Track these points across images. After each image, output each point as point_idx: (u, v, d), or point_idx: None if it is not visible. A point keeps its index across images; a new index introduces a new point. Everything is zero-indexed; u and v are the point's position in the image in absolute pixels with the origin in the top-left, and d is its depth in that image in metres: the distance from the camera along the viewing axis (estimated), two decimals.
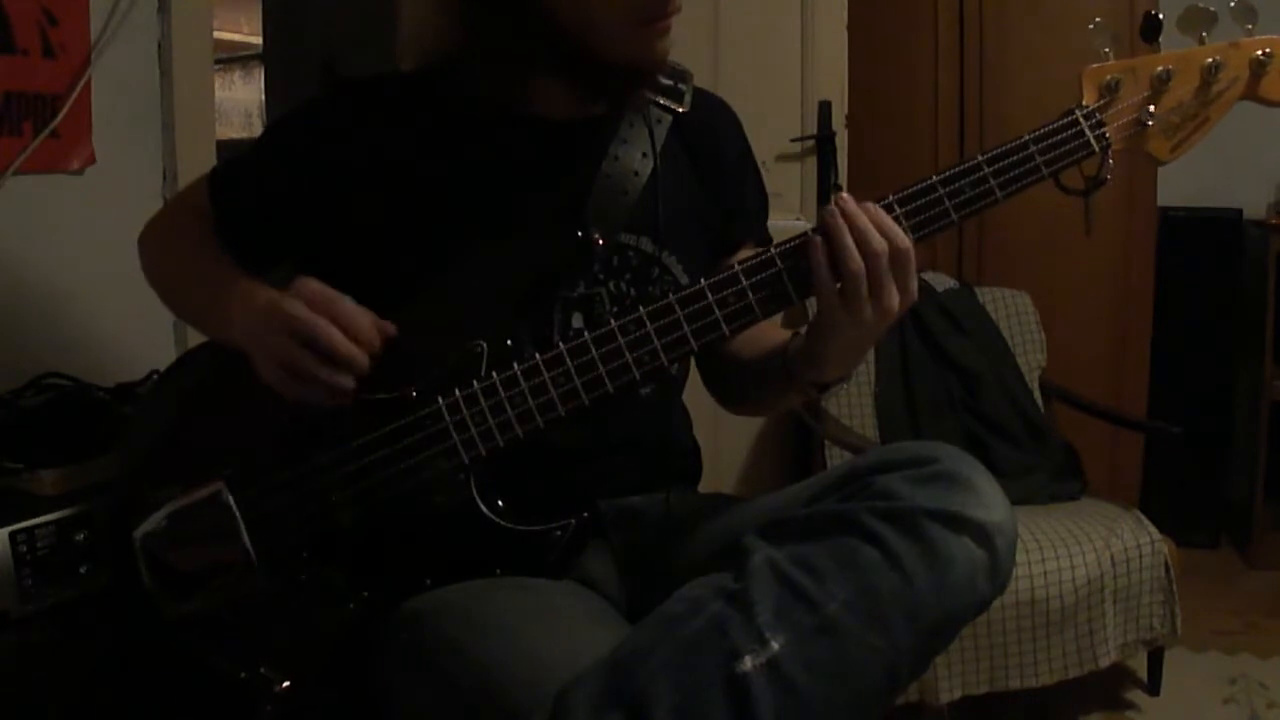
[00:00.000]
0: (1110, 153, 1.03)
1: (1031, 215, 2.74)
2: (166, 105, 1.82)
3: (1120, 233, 2.90)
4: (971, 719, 2.02)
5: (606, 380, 1.00)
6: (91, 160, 1.71)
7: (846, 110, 2.60)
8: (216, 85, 2.37)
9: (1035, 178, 1.01)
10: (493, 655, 0.89)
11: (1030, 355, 2.64)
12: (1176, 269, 3.01)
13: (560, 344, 1.00)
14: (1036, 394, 2.58)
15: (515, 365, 1.01)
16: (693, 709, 0.78)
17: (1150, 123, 1.03)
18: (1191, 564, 2.33)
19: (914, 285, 0.98)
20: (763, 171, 1.30)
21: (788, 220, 2.43)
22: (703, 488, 1.27)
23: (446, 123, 1.11)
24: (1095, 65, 1.03)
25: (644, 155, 1.14)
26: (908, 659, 0.85)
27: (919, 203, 0.99)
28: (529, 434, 1.01)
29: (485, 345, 1.02)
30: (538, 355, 1.00)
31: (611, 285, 1.13)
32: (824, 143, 2.58)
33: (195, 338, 1.19)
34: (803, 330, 1.06)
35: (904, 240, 0.96)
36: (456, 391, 1.01)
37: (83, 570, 1.23)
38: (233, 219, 1.15)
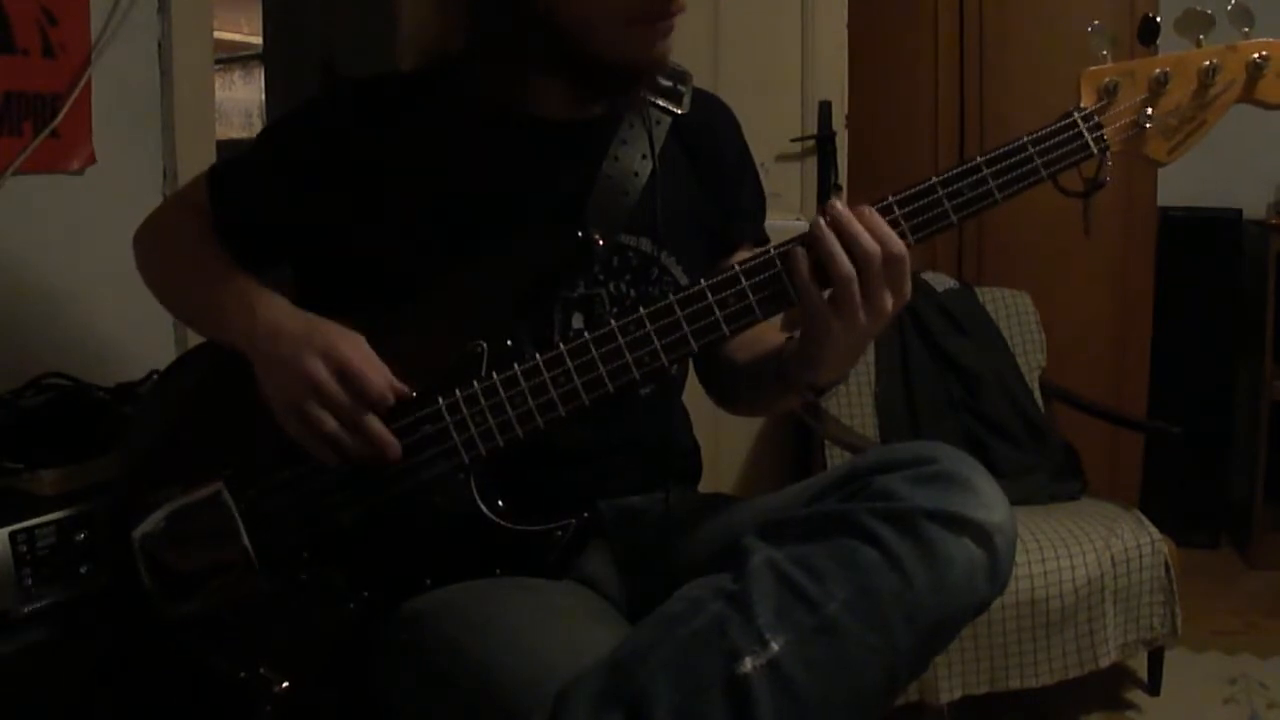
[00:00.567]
0: (1108, 155, 1.03)
1: (1031, 215, 2.74)
2: (166, 105, 1.82)
3: (1120, 233, 2.90)
4: (971, 719, 2.03)
5: (607, 380, 1.00)
6: (91, 160, 1.71)
7: (846, 110, 2.60)
8: (216, 85, 2.37)
9: (1034, 179, 1.01)
10: (493, 655, 0.89)
11: (1030, 355, 2.64)
12: (1176, 269, 3.01)
13: (560, 344, 1.00)
14: (1036, 394, 2.58)
15: (515, 365, 1.01)
16: (693, 709, 0.78)
17: (1148, 125, 1.03)
18: (1191, 564, 2.33)
19: (908, 286, 0.98)
20: (762, 172, 1.30)
21: (788, 220, 2.43)
22: (703, 488, 1.27)
23: (446, 123, 1.11)
24: (1093, 67, 1.04)
25: (643, 156, 1.14)
26: (907, 659, 0.85)
27: (918, 204, 0.99)
28: (529, 434, 1.01)
29: (485, 345, 1.02)
30: (538, 355, 1.00)
31: (611, 286, 1.13)
32: (824, 143, 2.58)
33: (195, 338, 1.19)
34: (796, 334, 1.06)
35: (898, 245, 0.96)
36: (457, 392, 1.01)
37: (83, 570, 1.23)
38: (232, 218, 1.15)
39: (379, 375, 1.00)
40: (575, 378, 1.00)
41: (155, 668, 1.10)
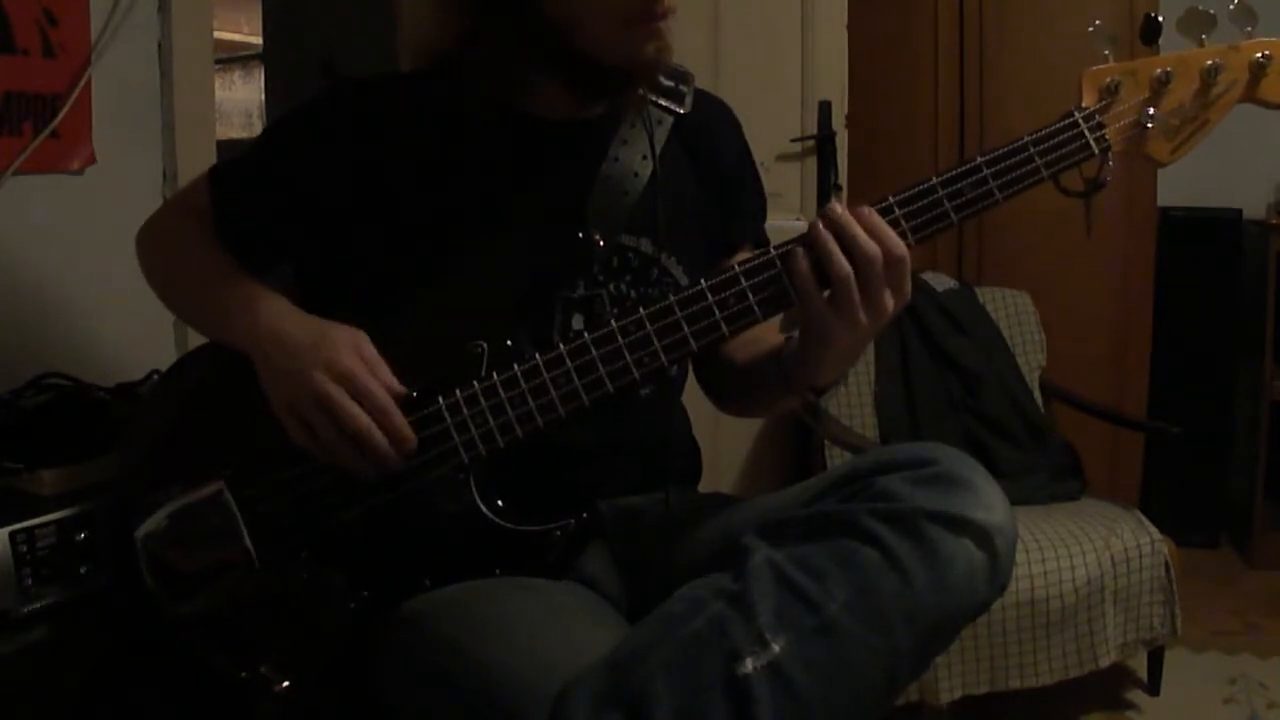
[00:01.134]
0: (1110, 154, 1.03)
1: (1031, 215, 2.74)
2: (166, 105, 1.82)
3: (1120, 233, 2.90)
4: (971, 719, 2.03)
5: (607, 381, 1.00)
6: (91, 160, 1.71)
7: (846, 110, 2.60)
8: (216, 85, 2.37)
9: (1035, 179, 1.01)
10: (493, 655, 0.89)
11: (1030, 355, 2.64)
12: (1176, 269, 3.01)
13: (560, 345, 1.00)
14: (1036, 394, 2.59)
15: (515, 366, 1.01)
16: (693, 709, 0.78)
17: (1150, 125, 1.02)
18: (1191, 564, 2.34)
19: (908, 287, 0.98)
20: (763, 171, 1.30)
21: (788, 220, 2.43)
22: (703, 488, 1.27)
23: (446, 123, 1.11)
24: (1095, 67, 1.03)
25: (644, 157, 1.14)
26: (907, 660, 0.85)
27: (919, 204, 0.99)
28: (529, 434, 1.01)
29: (485, 346, 1.02)
30: (538, 356, 1.00)
31: (611, 286, 1.13)
32: (824, 143, 2.58)
33: (195, 338, 1.19)
34: (795, 335, 1.06)
35: (899, 246, 0.96)
36: (457, 392, 1.01)
37: (83, 570, 1.23)
38: (233, 218, 1.15)
39: (382, 386, 0.99)
40: (575, 378, 1.00)
41: (156, 667, 1.10)
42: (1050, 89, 2.68)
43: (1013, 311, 2.69)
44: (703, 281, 1.00)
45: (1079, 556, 2.00)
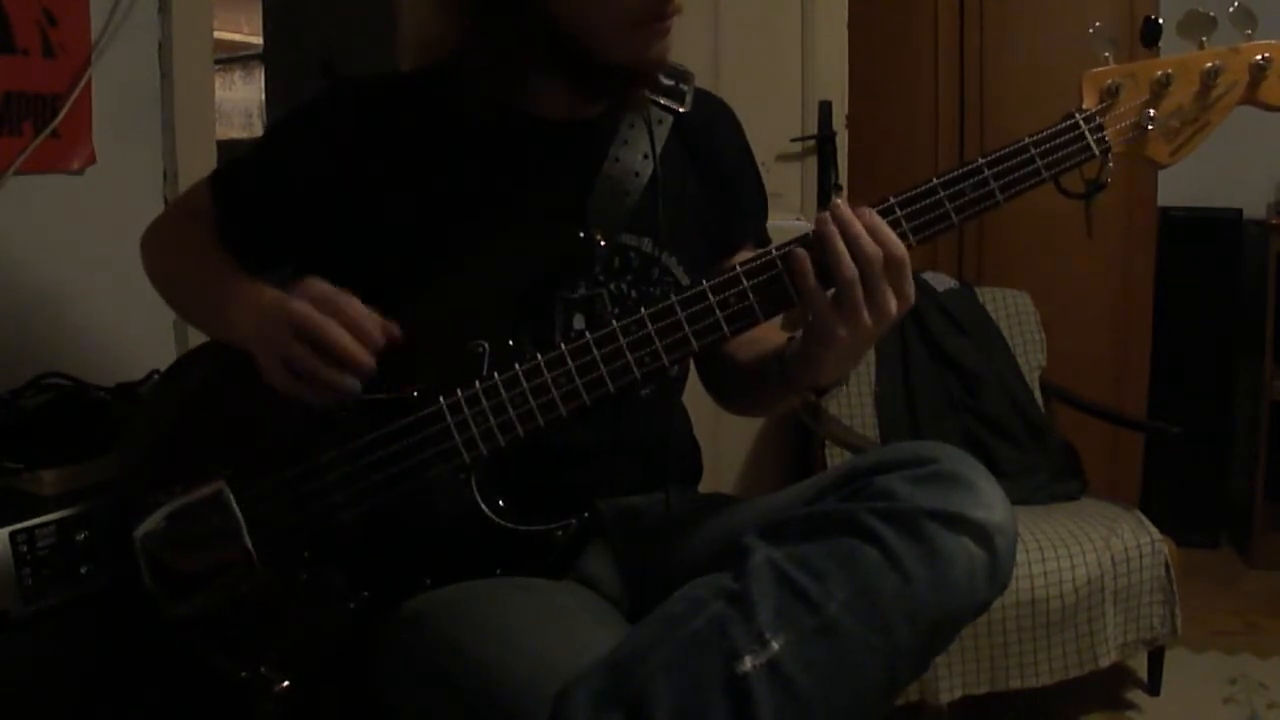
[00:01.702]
0: (1110, 156, 1.03)
1: (1032, 215, 2.74)
2: (166, 105, 1.82)
3: (1120, 233, 2.90)
4: (971, 719, 2.03)
5: (608, 380, 1.00)
6: (91, 160, 1.71)
7: (846, 110, 2.60)
8: (216, 85, 2.37)
9: (1036, 180, 1.01)
10: (493, 655, 0.89)
11: (1030, 355, 2.64)
12: (1176, 269, 3.01)
13: (561, 344, 1.00)
14: (1036, 394, 2.58)
15: (517, 365, 1.01)
16: (693, 709, 0.78)
17: (1150, 126, 1.03)
18: (1191, 564, 2.33)
19: (910, 290, 0.98)
20: (763, 171, 1.30)
21: (788, 220, 2.43)
22: (703, 488, 1.27)
23: (447, 123, 1.11)
24: (1095, 69, 1.04)
25: (645, 156, 1.14)
26: (908, 659, 0.85)
27: (920, 205, 0.99)
28: (530, 434, 1.01)
29: (487, 345, 1.02)
30: (539, 355, 1.00)
31: (612, 286, 1.13)
32: (824, 143, 2.58)
33: (195, 338, 1.19)
34: (798, 335, 1.06)
35: (899, 247, 0.96)
36: (458, 391, 1.01)
37: (83, 570, 1.23)
38: (234, 220, 1.15)
39: (363, 311, 0.99)
40: (576, 378, 1.00)
41: (156, 667, 1.10)
42: (1050, 90, 2.68)
43: (1013, 311, 2.69)
44: (704, 281, 1.00)
45: (1079, 556, 2.00)
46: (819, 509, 0.91)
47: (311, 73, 3.29)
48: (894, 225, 0.98)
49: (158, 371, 1.43)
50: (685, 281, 1.16)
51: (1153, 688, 2.24)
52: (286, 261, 1.17)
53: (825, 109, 2.58)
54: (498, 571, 1.03)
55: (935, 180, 1.00)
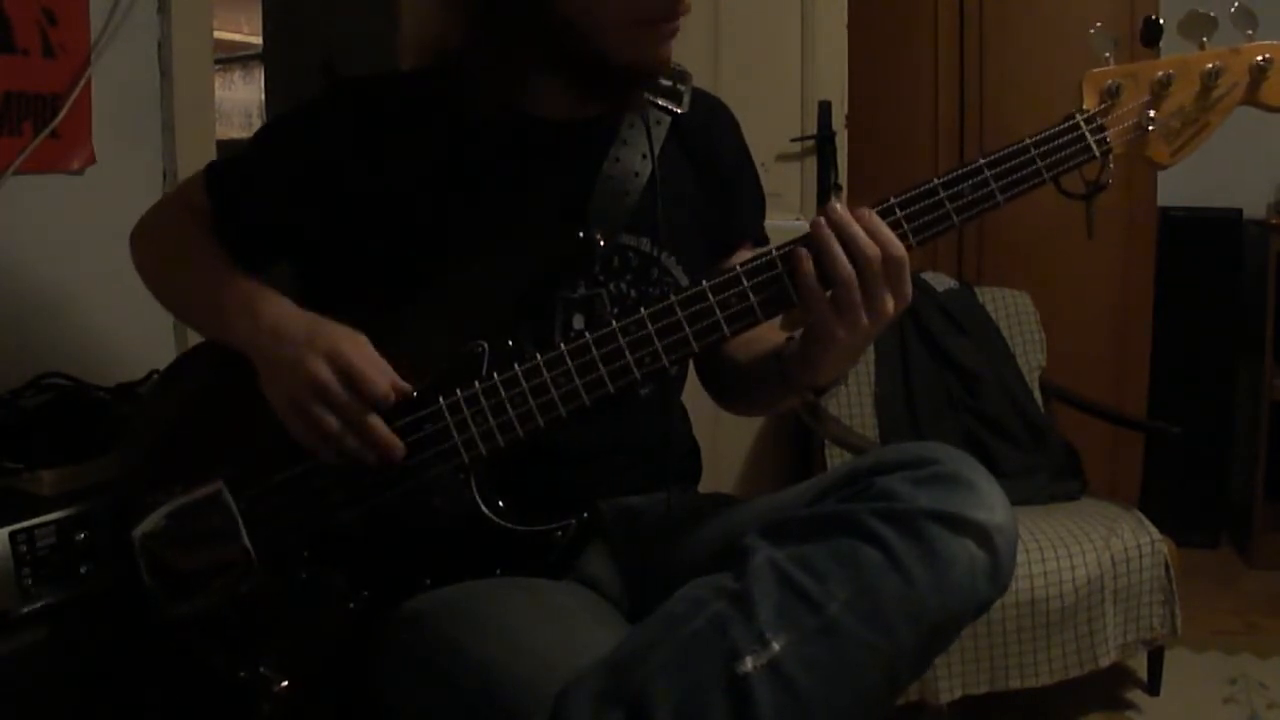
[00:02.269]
0: (1111, 157, 1.03)
1: (1032, 215, 2.74)
2: (166, 105, 1.82)
3: (1120, 233, 2.90)
4: (971, 719, 2.03)
5: (607, 381, 1.00)
6: (91, 160, 1.71)
7: (846, 110, 2.59)
8: (216, 85, 2.37)
9: (1036, 181, 1.01)
10: (493, 655, 0.89)
11: (1030, 355, 2.64)
12: (1176, 269, 3.01)
13: (561, 344, 1.00)
14: (1036, 394, 2.58)
15: (516, 365, 1.01)
16: (693, 709, 0.78)
17: (1151, 127, 1.03)
18: (1191, 564, 2.33)
19: (909, 288, 0.98)
20: (762, 171, 1.30)
21: (788, 220, 2.43)
22: (703, 488, 1.27)
23: (446, 122, 1.11)
24: (1096, 70, 1.04)
25: (644, 156, 1.14)
26: (908, 659, 0.85)
27: (920, 205, 0.99)
28: (530, 434, 1.01)
29: (486, 345, 1.02)
30: (538, 355, 1.00)
31: (612, 286, 1.13)
32: (824, 143, 2.58)
33: (196, 338, 1.18)
34: (797, 335, 1.06)
35: (898, 247, 0.96)
36: (457, 391, 1.01)
37: (83, 570, 1.22)
38: (231, 217, 1.15)
39: (382, 375, 1.00)
40: (576, 378, 1.00)
41: (155, 668, 1.10)
42: (1050, 90, 2.68)
43: (1013, 311, 2.69)
44: (704, 281, 1.00)
45: (1079, 556, 2.00)
46: (820, 509, 0.91)
47: (311, 73, 3.29)
48: (894, 226, 0.98)
49: (158, 371, 1.42)
50: (684, 281, 1.16)
51: (1153, 688, 2.24)
52: (284, 258, 1.17)
53: (825, 109, 2.58)
54: (498, 572, 1.03)
55: (935, 181, 1.00)
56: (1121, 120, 1.03)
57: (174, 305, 1.21)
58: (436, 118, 1.11)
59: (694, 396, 1.27)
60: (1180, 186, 2.88)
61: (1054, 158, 1.01)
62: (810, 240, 0.98)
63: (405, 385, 1.01)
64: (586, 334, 1.00)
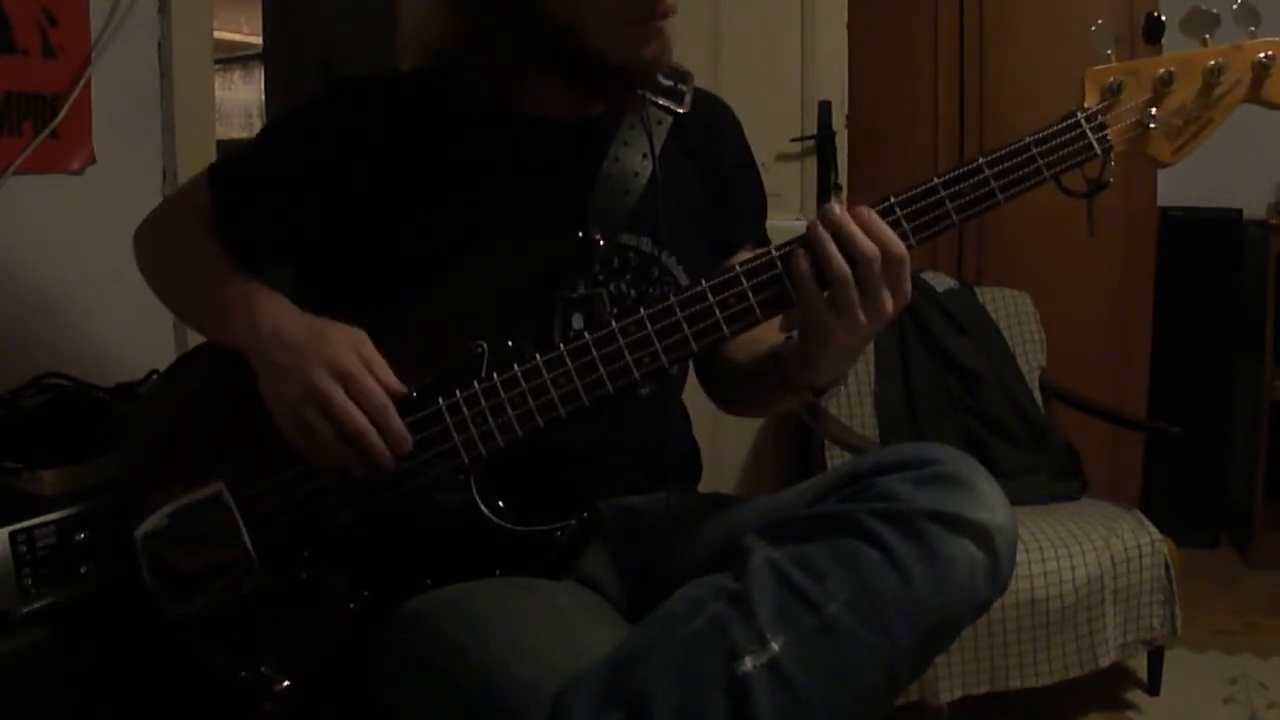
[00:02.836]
0: (1112, 155, 1.02)
1: (1032, 215, 2.74)
2: (166, 105, 1.82)
3: (1120, 233, 2.90)
4: (971, 719, 2.02)
5: (607, 381, 1.00)
6: (91, 160, 1.71)
7: (846, 110, 2.60)
8: (216, 85, 2.37)
9: (1037, 180, 1.01)
10: (493, 655, 0.89)
11: (1030, 355, 2.64)
12: (1176, 269, 3.01)
13: (561, 345, 1.00)
14: (1036, 394, 2.59)
15: (516, 366, 1.01)
16: (693, 709, 0.78)
17: (1152, 125, 1.02)
18: (1191, 564, 2.33)
19: (908, 287, 0.98)
20: (762, 171, 1.30)
21: (788, 220, 2.43)
22: (703, 488, 1.27)
23: (446, 122, 1.11)
24: (1097, 67, 1.03)
25: (644, 156, 1.14)
26: (908, 659, 0.85)
27: (920, 204, 0.99)
28: (529, 434, 1.01)
29: (485, 346, 1.02)
30: (538, 356, 1.00)
31: (612, 286, 1.13)
32: (824, 143, 2.58)
33: (196, 337, 1.18)
34: (794, 335, 1.06)
35: (898, 245, 0.96)
36: (457, 392, 1.01)
37: (83, 570, 1.22)
38: (233, 217, 1.15)
39: (380, 384, 0.99)
40: (575, 378, 1.00)
41: (155, 668, 1.10)
42: (1050, 89, 2.68)
43: (1013, 311, 2.69)
44: (703, 281, 0.99)
45: (1079, 556, 2.00)
46: (820, 510, 0.91)
47: (311, 73, 3.30)
48: (894, 225, 0.98)
49: (158, 371, 1.42)
50: (684, 281, 1.16)
51: (1152, 688, 2.24)
52: (285, 258, 1.17)
53: (825, 109, 2.58)
54: (498, 572, 1.03)
55: (936, 180, 1.00)
56: (1123, 118, 1.03)
57: (176, 305, 1.21)
58: (436, 118, 1.11)
59: (694, 396, 1.27)
60: (1180, 186, 2.88)
61: (1055, 156, 1.01)
62: (809, 240, 0.97)
63: (402, 387, 1.01)
64: (586, 334, 1.00)
